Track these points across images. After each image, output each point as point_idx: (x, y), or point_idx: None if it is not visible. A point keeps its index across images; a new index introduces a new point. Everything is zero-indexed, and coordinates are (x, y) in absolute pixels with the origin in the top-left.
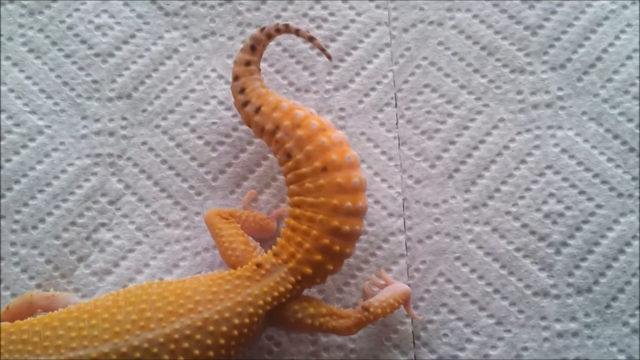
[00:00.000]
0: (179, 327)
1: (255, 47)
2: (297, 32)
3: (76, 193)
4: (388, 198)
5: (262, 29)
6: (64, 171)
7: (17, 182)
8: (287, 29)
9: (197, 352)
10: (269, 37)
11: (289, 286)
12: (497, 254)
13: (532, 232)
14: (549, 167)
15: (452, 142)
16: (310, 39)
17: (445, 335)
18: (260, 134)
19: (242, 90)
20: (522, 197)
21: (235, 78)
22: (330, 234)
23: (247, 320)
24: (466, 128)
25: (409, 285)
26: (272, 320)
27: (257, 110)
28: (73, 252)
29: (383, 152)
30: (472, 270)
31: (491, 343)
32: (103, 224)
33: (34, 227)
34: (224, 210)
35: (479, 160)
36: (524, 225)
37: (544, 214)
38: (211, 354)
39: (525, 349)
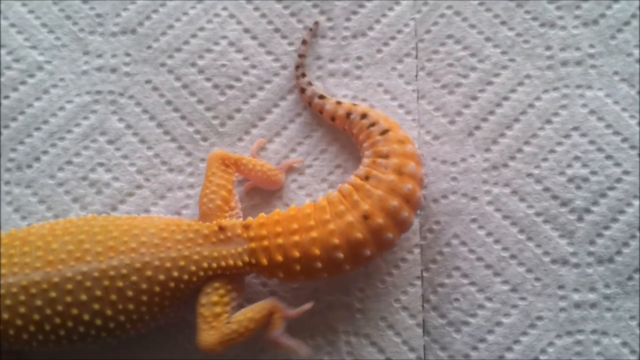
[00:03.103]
0: (116, 265)
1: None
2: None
3: (74, 131)
4: None
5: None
6: (62, 108)
7: (14, 119)
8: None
9: (130, 293)
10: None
11: (239, 263)
12: (515, 218)
13: (554, 197)
14: (575, 128)
15: (474, 98)
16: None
17: (456, 299)
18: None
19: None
20: (545, 159)
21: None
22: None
23: (185, 277)
24: (490, 83)
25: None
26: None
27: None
28: (68, 192)
29: (400, 106)
30: (489, 234)
31: (504, 310)
32: (101, 164)
33: (29, 166)
34: (231, 154)
35: (502, 118)
36: (546, 189)
37: (568, 178)
38: (144, 298)
39: (540, 318)
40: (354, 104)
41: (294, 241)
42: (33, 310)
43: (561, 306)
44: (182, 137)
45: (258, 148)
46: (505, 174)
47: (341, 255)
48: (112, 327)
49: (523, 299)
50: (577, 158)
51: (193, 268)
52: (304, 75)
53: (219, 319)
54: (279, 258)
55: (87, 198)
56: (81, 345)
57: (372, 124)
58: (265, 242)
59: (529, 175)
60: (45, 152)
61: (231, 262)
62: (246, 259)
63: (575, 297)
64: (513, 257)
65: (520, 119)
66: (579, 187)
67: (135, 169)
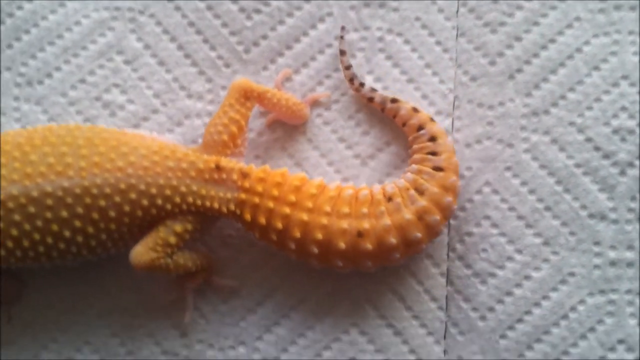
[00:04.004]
0: (100, 183)
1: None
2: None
3: (89, 48)
4: (438, 94)
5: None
6: (78, 23)
7: (26, 32)
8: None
9: (112, 214)
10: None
11: (224, 210)
12: (553, 168)
13: (597, 148)
14: (624, 77)
15: (518, 38)
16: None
17: (484, 250)
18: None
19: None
20: (589, 108)
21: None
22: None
23: (168, 207)
24: (536, 24)
25: None
26: None
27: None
28: (79, 112)
29: (438, 43)
30: (523, 183)
31: (535, 264)
32: (116, 85)
33: (40, 82)
34: (255, 86)
35: (546, 61)
36: (588, 139)
37: (613, 129)
38: (126, 220)
39: (572, 274)
40: (431, 119)
41: (283, 212)
42: (10, 226)
43: (595, 263)
44: (203, 61)
45: (283, 79)
46: (546, 121)
47: (316, 250)
48: (93, 245)
49: (555, 253)
50: (624, 108)
51: (177, 200)
52: (362, 85)
53: (166, 248)
54: (262, 221)
55: (100, 120)
56: (61, 262)
57: (432, 138)
58: (256, 199)
59: (571, 123)
60: (57, 69)
61: (216, 205)
62: (232, 207)
63: (612, 254)
64: (548, 209)
65: (566, 63)
66: (623, 140)
67: (152, 92)
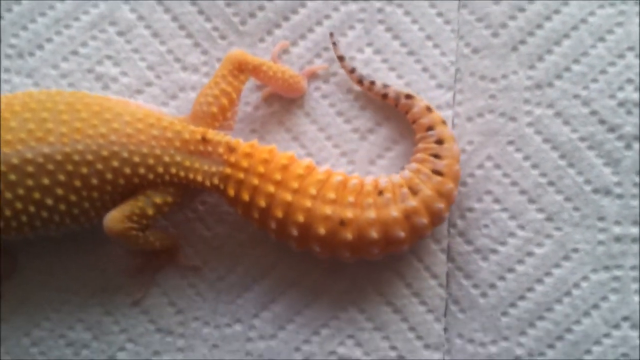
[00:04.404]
0: (82, 149)
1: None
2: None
3: (81, 19)
4: (439, 66)
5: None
6: None
7: (17, 2)
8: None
9: (94, 181)
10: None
11: (207, 183)
12: (557, 142)
13: (602, 121)
14: (630, 48)
15: (521, 9)
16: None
17: (485, 226)
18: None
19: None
20: (594, 80)
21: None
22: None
23: (151, 176)
24: None
25: None
26: None
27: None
28: (71, 84)
29: (439, 14)
30: (526, 157)
31: (537, 240)
32: (109, 57)
33: (31, 54)
34: (250, 59)
35: (550, 32)
36: (593, 112)
37: (618, 102)
38: (108, 188)
39: (575, 250)
40: (443, 122)
41: (268, 191)
42: None
43: (600, 239)
44: (198, 33)
45: (280, 51)
46: (550, 94)
47: (295, 232)
48: (76, 214)
49: (558, 229)
50: (629, 81)
51: (160, 170)
52: (372, 83)
53: (142, 219)
54: (246, 197)
55: (92, 93)
56: (44, 232)
57: (439, 141)
58: (241, 175)
59: (576, 96)
60: (49, 40)
61: (200, 178)
62: (216, 181)
63: (616, 230)
64: (551, 183)
65: (570, 34)
66: (629, 112)
67: (145, 64)
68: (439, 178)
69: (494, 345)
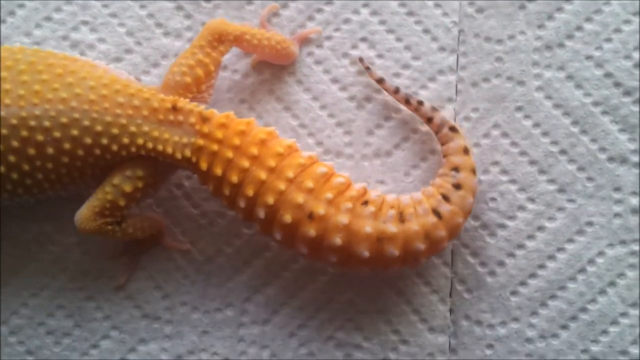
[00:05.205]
0: (39, 114)
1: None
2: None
3: None
4: (441, 28)
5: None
6: None
7: None
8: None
9: (50, 150)
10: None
11: (178, 156)
12: (569, 107)
13: (617, 84)
14: None
15: None
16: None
17: (493, 199)
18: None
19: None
20: (608, 40)
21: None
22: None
23: (115, 148)
24: None
25: None
26: None
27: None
28: None
29: None
30: (536, 125)
31: (549, 213)
32: (85, 23)
33: (2, 21)
34: (232, 28)
35: None
36: (608, 75)
37: (634, 63)
38: (65, 160)
39: (590, 223)
40: (473, 171)
41: (242, 165)
42: None
43: (616, 211)
44: None
45: (269, 14)
46: (560, 55)
47: (262, 215)
48: (28, 184)
49: (572, 201)
50: None
51: (126, 141)
52: (420, 103)
53: (115, 212)
54: (218, 171)
55: None
56: None
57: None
58: (215, 147)
59: (589, 57)
60: (21, 6)
61: (169, 150)
62: (187, 154)
63: (633, 201)
64: (563, 152)
65: None
66: None
67: (124, 30)
68: (433, 218)
69: (503, 326)
